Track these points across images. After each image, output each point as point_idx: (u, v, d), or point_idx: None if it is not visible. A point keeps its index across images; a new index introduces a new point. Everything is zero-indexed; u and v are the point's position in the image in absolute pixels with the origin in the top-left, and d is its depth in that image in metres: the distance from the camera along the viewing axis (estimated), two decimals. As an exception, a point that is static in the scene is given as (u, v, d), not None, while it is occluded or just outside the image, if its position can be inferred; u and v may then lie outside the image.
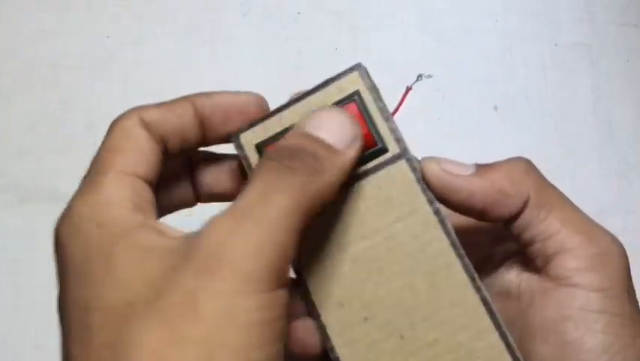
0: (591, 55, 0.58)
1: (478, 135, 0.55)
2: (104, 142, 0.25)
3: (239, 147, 0.27)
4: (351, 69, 0.26)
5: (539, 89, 0.57)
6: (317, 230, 0.26)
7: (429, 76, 0.29)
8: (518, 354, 0.25)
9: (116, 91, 0.52)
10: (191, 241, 0.21)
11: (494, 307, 0.25)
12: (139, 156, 0.24)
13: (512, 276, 0.28)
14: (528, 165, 0.27)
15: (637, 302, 0.25)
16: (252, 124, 0.26)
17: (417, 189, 0.26)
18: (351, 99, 0.26)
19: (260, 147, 0.26)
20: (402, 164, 0.26)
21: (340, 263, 0.26)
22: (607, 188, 0.53)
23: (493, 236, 0.30)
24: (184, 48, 0.55)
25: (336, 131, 0.24)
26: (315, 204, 0.22)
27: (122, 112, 0.26)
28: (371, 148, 0.26)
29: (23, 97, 0.52)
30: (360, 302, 0.26)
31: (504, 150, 0.57)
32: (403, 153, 0.26)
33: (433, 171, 0.26)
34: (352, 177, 0.26)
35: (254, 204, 0.21)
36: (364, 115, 0.26)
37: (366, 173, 0.26)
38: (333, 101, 0.26)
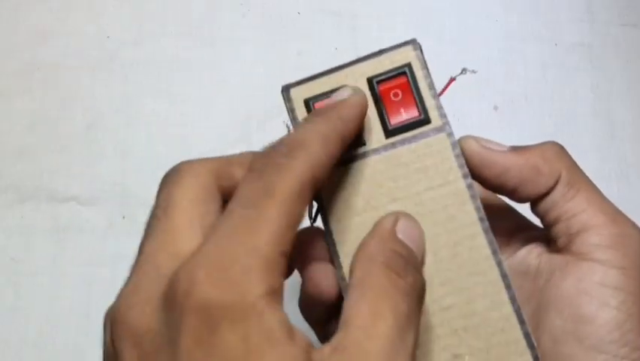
0: (591, 55, 0.58)
1: (478, 135, 0.55)
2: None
3: (288, 99, 0.28)
4: (405, 43, 0.28)
5: (539, 89, 0.57)
6: (350, 183, 0.27)
7: (473, 71, 0.30)
8: (529, 329, 0.25)
9: (116, 91, 0.52)
10: None
11: (512, 282, 0.26)
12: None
13: (532, 257, 0.28)
14: (560, 148, 0.28)
15: None
16: (302, 80, 0.28)
17: (453, 162, 0.27)
18: (402, 70, 0.27)
19: (308, 102, 0.28)
20: (442, 137, 0.27)
21: (368, 220, 0.26)
22: (607, 188, 0.53)
23: (515, 225, 0.30)
24: (184, 48, 0.55)
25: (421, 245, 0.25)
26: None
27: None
28: (414, 118, 0.27)
29: (23, 97, 0.52)
30: None
31: (504, 150, 0.57)
32: (445, 127, 0.27)
33: (472, 147, 0.27)
34: (392, 143, 0.27)
35: (397, 349, 0.20)
36: (412, 87, 0.27)
37: (406, 140, 0.27)
38: (385, 69, 0.28)
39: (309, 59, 0.55)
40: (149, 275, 0.21)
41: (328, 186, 0.27)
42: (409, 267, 0.22)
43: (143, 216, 0.49)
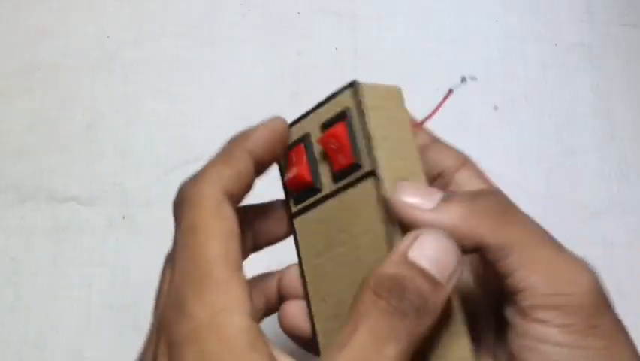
0: (591, 55, 0.58)
1: (478, 135, 0.55)
2: (193, 219, 0.24)
3: None
4: (346, 87, 0.27)
5: (539, 89, 0.57)
6: (311, 228, 0.29)
7: (473, 78, 0.29)
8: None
9: (116, 91, 0.52)
10: None
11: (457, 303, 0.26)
12: (237, 244, 0.24)
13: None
14: (489, 203, 0.26)
15: (612, 333, 0.25)
16: None
17: (375, 208, 0.26)
18: (343, 116, 0.27)
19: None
20: (370, 182, 0.26)
21: (325, 263, 0.28)
22: (607, 188, 0.53)
23: None
24: (184, 48, 0.55)
25: (441, 262, 0.24)
26: (418, 343, 0.23)
27: (197, 179, 0.26)
28: (350, 164, 0.27)
29: (23, 97, 0.52)
30: (334, 300, 0.28)
31: (504, 150, 0.57)
32: (372, 172, 0.26)
33: (395, 202, 0.26)
34: (337, 188, 0.28)
35: (367, 356, 0.21)
36: (349, 132, 0.27)
37: (348, 185, 0.27)
38: (328, 117, 0.28)
39: (309, 59, 0.55)
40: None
41: (302, 231, 0.30)
42: (407, 291, 0.23)
43: (143, 216, 0.50)
